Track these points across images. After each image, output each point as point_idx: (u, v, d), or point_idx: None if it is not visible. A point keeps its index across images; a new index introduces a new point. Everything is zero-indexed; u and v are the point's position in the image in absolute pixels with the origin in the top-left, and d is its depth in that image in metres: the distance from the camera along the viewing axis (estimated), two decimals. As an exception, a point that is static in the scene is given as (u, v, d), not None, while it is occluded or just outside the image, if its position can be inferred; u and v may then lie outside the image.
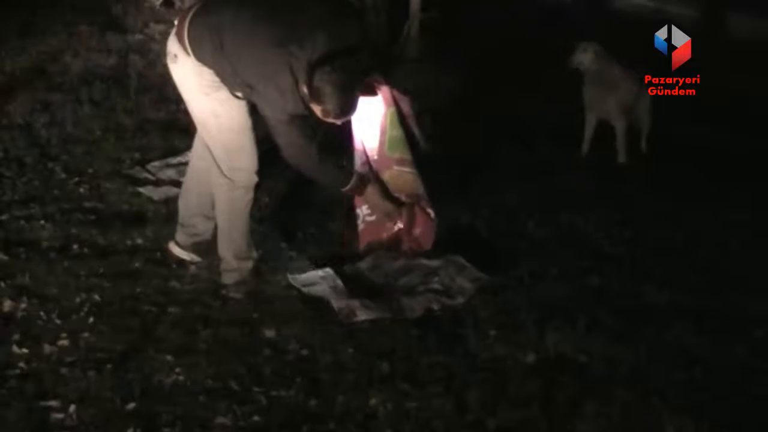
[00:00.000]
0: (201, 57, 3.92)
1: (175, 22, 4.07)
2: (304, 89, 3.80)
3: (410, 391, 3.53)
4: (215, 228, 4.41)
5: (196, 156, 4.45)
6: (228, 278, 4.31)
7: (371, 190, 4.39)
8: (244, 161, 4.12)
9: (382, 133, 4.52)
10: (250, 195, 4.23)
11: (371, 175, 4.47)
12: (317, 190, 5.20)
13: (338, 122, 4.00)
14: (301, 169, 4.20)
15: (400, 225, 4.60)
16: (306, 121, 3.95)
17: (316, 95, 3.79)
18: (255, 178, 4.18)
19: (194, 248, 4.52)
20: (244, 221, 4.29)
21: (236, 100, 4.04)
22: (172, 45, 4.02)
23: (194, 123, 4.23)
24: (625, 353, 3.89)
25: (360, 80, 4.04)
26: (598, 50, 6.29)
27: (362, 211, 4.62)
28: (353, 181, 4.22)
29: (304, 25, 3.83)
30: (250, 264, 4.35)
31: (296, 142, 3.95)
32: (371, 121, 4.50)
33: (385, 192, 4.49)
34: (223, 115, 4.03)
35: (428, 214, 4.58)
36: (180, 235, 4.54)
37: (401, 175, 4.56)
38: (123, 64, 7.66)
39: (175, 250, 4.53)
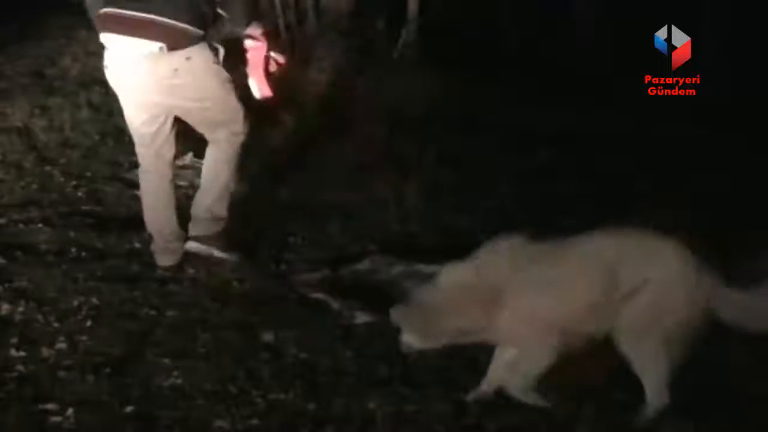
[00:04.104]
0: (197, 26, 4.07)
1: (159, 43, 4.04)
2: None
3: (409, 394, 3.52)
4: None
5: (158, 176, 4.46)
6: (214, 227, 4.53)
7: None
8: (242, 114, 4.41)
9: None
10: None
11: None
12: (314, 194, 5.20)
13: None
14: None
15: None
16: None
17: None
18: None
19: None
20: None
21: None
22: (172, 58, 4.05)
23: (197, 118, 4.37)
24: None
25: None
26: None
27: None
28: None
29: None
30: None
31: None
32: None
33: None
34: (227, 77, 4.30)
35: None
36: (166, 258, 4.52)
37: None
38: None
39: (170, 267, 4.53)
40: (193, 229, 4.55)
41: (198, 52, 4.12)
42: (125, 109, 4.36)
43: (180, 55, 4.07)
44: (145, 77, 4.13)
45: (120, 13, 4.04)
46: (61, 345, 3.66)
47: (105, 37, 4.16)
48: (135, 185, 5.39)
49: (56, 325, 3.82)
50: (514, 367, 3.52)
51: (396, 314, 3.51)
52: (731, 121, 7.46)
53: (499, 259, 3.50)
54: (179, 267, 4.50)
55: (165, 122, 4.36)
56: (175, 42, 4.04)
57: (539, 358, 3.48)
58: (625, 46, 8.35)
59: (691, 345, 3.39)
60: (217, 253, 4.55)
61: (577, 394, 3.57)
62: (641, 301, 3.37)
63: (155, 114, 4.31)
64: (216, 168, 4.52)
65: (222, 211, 4.55)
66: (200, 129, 4.48)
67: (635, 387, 3.62)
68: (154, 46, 4.03)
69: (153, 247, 4.51)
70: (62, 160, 5.69)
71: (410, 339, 3.50)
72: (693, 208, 5.69)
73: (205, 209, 4.53)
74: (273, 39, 4.60)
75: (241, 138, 4.47)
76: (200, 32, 4.11)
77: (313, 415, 3.36)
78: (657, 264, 3.39)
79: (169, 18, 4.01)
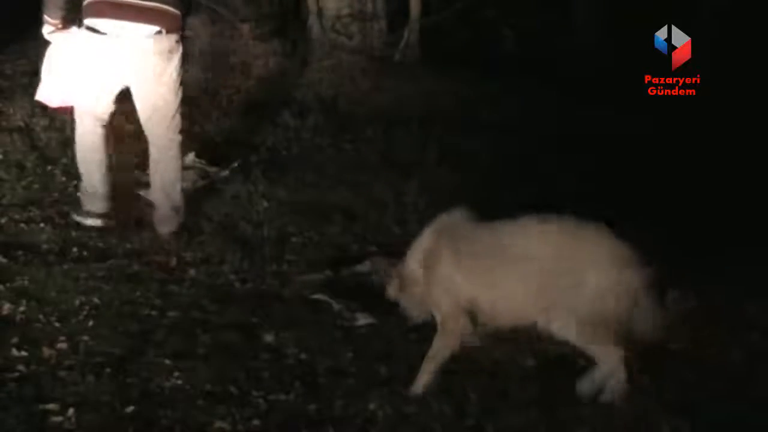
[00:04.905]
0: (182, 12, 4.62)
1: (157, 26, 4.54)
2: None
3: (409, 395, 3.53)
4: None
5: (94, 125, 4.79)
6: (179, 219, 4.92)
7: None
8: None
9: None
10: None
11: None
12: (314, 194, 5.21)
13: None
14: None
15: None
16: None
17: None
18: None
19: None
20: None
21: None
22: (166, 40, 4.57)
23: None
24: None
25: None
26: None
27: None
28: None
29: None
30: None
31: None
32: None
33: None
34: None
35: None
36: (95, 205, 4.85)
37: None
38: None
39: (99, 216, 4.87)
40: (165, 227, 4.88)
41: (180, 36, 4.68)
42: (98, 89, 4.72)
43: (172, 37, 4.61)
44: (141, 58, 4.59)
45: (117, 1, 4.48)
46: (62, 345, 3.66)
47: (98, 23, 4.51)
48: (136, 185, 5.41)
49: (57, 325, 3.82)
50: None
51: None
52: (731, 121, 7.45)
53: (446, 230, 3.75)
54: (108, 217, 4.86)
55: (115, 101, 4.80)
56: (170, 26, 4.58)
57: (450, 330, 3.65)
58: (625, 46, 8.33)
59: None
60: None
61: (576, 394, 3.58)
62: (586, 289, 3.44)
63: (115, 94, 4.75)
64: (171, 167, 4.86)
65: (180, 199, 4.92)
66: (161, 123, 4.80)
67: (634, 387, 3.64)
68: (154, 29, 4.54)
69: (80, 193, 4.90)
70: (63, 160, 5.68)
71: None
72: (691, 208, 5.71)
73: (170, 207, 4.87)
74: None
75: (180, 136, 4.89)
76: (182, 19, 4.66)
77: (313, 415, 3.36)
78: (596, 253, 3.49)
79: (163, 4, 4.52)
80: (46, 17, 4.70)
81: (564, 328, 3.53)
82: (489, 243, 3.67)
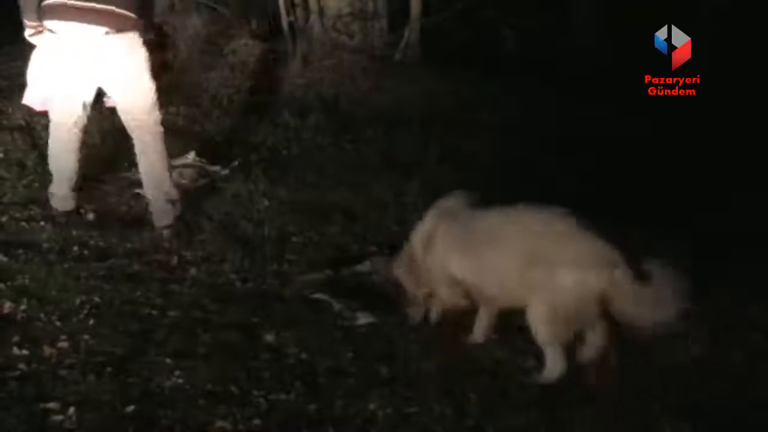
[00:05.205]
0: (138, 14, 4.70)
1: (109, 27, 4.62)
2: None
3: (410, 395, 3.53)
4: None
5: (69, 126, 4.91)
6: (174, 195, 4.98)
7: None
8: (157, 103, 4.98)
9: None
10: None
11: None
12: (314, 194, 5.20)
13: None
14: None
15: None
16: None
17: None
18: None
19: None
20: None
21: None
22: (121, 39, 4.64)
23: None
24: (624, 357, 3.89)
25: None
26: None
27: None
28: None
29: None
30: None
31: None
32: None
33: None
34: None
35: None
36: (63, 203, 4.97)
37: None
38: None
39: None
40: (162, 221, 4.94)
41: (139, 35, 4.75)
42: (70, 91, 4.83)
43: (126, 36, 4.67)
44: (104, 58, 4.67)
45: (73, 3, 4.57)
46: (63, 344, 3.66)
47: (51, 24, 4.67)
48: (135, 184, 5.41)
49: (58, 323, 3.83)
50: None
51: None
52: (731, 121, 7.45)
53: (444, 214, 4.04)
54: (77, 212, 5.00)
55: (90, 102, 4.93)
56: (120, 26, 4.63)
57: (442, 298, 4.08)
58: (625, 46, 8.34)
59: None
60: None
61: (577, 395, 3.59)
62: (552, 283, 3.60)
63: (90, 95, 4.87)
64: (158, 160, 4.96)
65: (170, 188, 4.98)
66: (140, 118, 4.90)
67: (635, 388, 3.65)
68: (102, 30, 4.60)
69: (51, 189, 4.97)
70: (63, 159, 5.67)
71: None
72: (691, 208, 5.71)
73: (164, 200, 4.93)
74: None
75: (160, 130, 4.98)
76: (140, 20, 4.74)
77: (313, 415, 3.37)
78: (569, 250, 3.63)
79: (117, 7, 4.61)
80: (24, 20, 4.83)
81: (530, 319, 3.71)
82: (482, 229, 3.87)
